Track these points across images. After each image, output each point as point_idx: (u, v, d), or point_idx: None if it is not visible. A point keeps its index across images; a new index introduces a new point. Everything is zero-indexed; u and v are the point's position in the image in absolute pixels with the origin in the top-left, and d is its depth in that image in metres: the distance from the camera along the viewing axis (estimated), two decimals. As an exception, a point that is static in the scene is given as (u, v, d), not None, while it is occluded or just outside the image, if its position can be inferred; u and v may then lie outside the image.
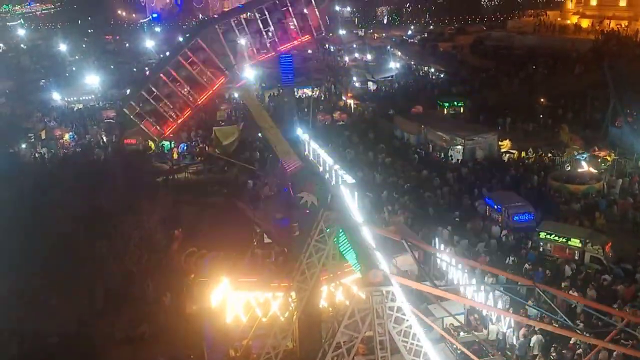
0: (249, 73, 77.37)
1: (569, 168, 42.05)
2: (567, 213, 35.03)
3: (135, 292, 28.59)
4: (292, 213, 26.46)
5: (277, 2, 27.83)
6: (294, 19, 28.18)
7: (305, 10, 28.29)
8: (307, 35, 28.73)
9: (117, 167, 42.63)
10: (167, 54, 32.35)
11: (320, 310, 22.42)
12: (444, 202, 37.55)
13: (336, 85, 75.11)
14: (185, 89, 28.14)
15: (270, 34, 28.01)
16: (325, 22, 29.33)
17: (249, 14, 28.35)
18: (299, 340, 22.24)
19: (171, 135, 30.96)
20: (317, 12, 28.43)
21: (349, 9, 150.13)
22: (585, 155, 41.97)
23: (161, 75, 28.08)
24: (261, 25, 27.88)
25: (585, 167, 40.45)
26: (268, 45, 28.34)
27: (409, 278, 27.11)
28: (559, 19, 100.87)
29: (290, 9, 27.99)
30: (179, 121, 28.93)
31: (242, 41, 27.89)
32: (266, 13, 27.87)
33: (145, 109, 28.22)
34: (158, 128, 28.56)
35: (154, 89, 27.97)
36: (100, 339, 25.65)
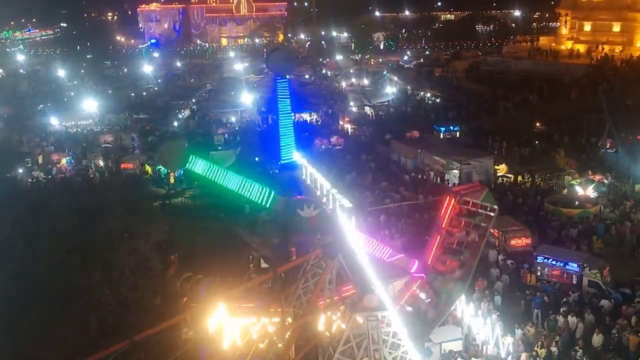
0: (247, 98, 78.31)
1: (565, 192, 42.13)
2: (564, 237, 34.98)
3: (130, 319, 28.27)
4: (289, 238, 26.39)
5: None
6: None
7: None
8: None
9: (113, 192, 42.49)
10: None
11: (317, 336, 22.23)
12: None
13: (333, 110, 75.51)
14: None
15: None
16: None
17: None
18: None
19: None
20: None
21: (345, 34, 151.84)
22: (579, 181, 42.07)
23: None
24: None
25: (580, 191, 40.55)
26: None
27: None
28: (553, 44, 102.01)
29: None
30: None
31: None
32: None
33: None
34: None
35: None
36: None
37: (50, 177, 53.75)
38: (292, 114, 31.03)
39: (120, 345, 19.69)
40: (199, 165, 22.61)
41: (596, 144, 50.53)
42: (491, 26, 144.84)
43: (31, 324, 27.14)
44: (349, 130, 67.84)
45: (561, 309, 26.88)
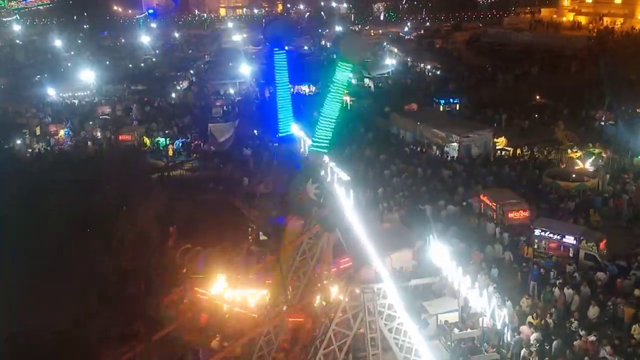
0: (246, 69, 77.67)
1: (564, 165, 42.12)
2: (562, 210, 35.08)
3: (129, 290, 28.49)
4: (287, 211, 26.42)
5: None
6: None
7: None
8: None
9: (112, 164, 42.48)
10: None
11: (314, 307, 22.45)
12: (438, 199, 37.55)
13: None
14: None
15: None
16: None
17: None
18: (292, 337, 22.27)
19: None
20: None
21: (345, 5, 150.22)
22: (579, 154, 42.04)
23: None
24: None
25: (579, 164, 40.51)
26: None
27: (403, 275, 27.39)
28: (554, 16, 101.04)
29: None
30: None
31: None
32: None
33: None
34: None
35: None
36: (94, 337, 25.56)
37: (49, 148, 53.64)
38: (290, 86, 30.82)
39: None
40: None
41: (595, 117, 50.32)
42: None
43: (31, 293, 27.37)
44: (348, 102, 67.45)
45: (557, 282, 27.07)
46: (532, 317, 24.61)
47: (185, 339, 24.22)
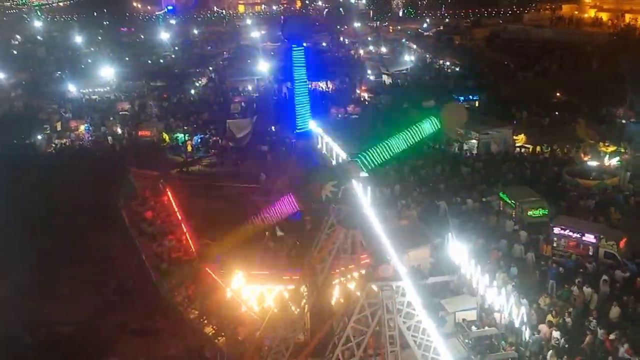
0: (264, 66, 77.91)
1: (584, 163, 41.64)
2: (581, 208, 34.71)
3: (148, 284, 28.72)
4: (304, 207, 26.40)
5: None
6: None
7: None
8: None
9: (131, 159, 42.82)
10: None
11: (332, 304, 22.45)
12: (457, 196, 37.34)
13: (350, 78, 74.91)
14: None
15: None
16: None
17: None
18: (310, 333, 22.27)
19: None
20: None
21: (364, 1, 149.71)
22: (602, 151, 41.48)
23: None
24: None
25: (599, 162, 40.03)
26: None
27: (421, 272, 27.26)
28: (575, 12, 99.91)
29: None
30: None
31: None
32: None
33: None
34: None
35: None
36: (113, 329, 25.85)
37: (69, 143, 54.21)
38: (308, 82, 30.84)
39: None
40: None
41: (617, 115, 49.70)
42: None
43: (52, 285, 27.72)
44: (366, 99, 67.33)
45: (576, 280, 26.81)
46: (552, 315, 24.41)
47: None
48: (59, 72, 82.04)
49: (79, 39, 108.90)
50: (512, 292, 24.63)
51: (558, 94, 58.44)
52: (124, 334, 25.72)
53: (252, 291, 24.78)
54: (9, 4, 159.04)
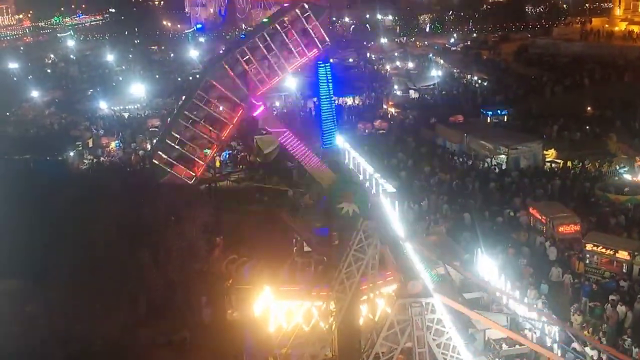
0: (291, 82, 78.55)
1: (617, 178, 40.95)
2: (614, 224, 34.07)
3: (177, 299, 28.94)
4: (331, 222, 26.44)
5: (277, 25, 28.16)
6: (297, 38, 28.39)
7: (307, 26, 28.37)
8: (314, 50, 28.94)
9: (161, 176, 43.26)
10: (183, 98, 33.36)
11: (360, 320, 22.33)
12: (486, 212, 36.98)
13: (377, 94, 74.90)
14: (207, 128, 28.97)
15: (276, 57, 28.44)
16: (328, 31, 29.50)
17: (251, 43, 28.64)
18: (338, 350, 22.16)
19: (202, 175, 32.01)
20: (319, 25, 28.57)
21: (390, 17, 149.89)
22: (626, 168, 40.86)
23: (180, 120, 28.99)
24: (266, 52, 28.29)
25: (631, 177, 39.36)
26: (277, 68, 28.91)
27: (449, 287, 26.96)
28: (606, 25, 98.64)
29: (291, 29, 28.21)
30: (207, 160, 30.48)
31: (252, 70, 28.22)
32: (268, 38, 28.36)
33: (173, 155, 29.33)
34: (189, 171, 29.55)
35: (176, 134, 28.89)
36: (142, 344, 26.06)
37: (101, 160, 55.06)
38: (334, 98, 31.02)
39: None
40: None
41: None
42: (541, 7, 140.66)
43: (84, 302, 28.03)
44: (393, 114, 67.23)
45: (610, 298, 26.26)
46: (587, 333, 23.92)
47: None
48: (91, 90, 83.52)
49: (110, 57, 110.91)
50: (543, 309, 24.25)
51: (589, 108, 57.64)
52: (154, 349, 25.92)
53: (280, 307, 24.77)
54: (43, 23, 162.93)
